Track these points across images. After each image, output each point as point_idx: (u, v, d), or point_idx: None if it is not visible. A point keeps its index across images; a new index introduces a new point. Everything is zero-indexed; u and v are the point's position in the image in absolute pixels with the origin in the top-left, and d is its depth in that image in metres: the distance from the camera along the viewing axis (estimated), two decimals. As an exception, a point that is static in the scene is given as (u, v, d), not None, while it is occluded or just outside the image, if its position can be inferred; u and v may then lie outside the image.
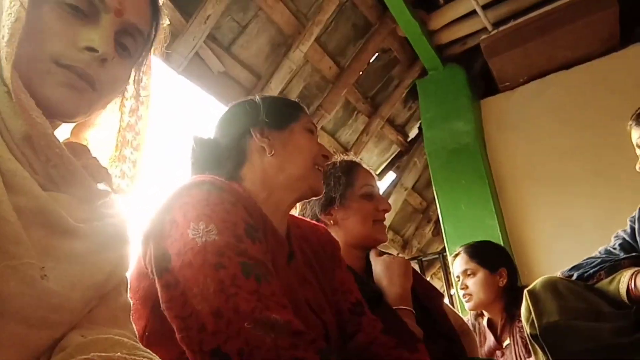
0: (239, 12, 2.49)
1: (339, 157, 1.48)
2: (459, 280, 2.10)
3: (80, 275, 0.58)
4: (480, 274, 2.02)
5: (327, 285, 1.11)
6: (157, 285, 0.83)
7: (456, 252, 2.16)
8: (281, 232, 1.04)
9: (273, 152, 1.04)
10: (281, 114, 1.09)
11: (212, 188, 0.89)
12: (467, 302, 2.06)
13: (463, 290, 2.06)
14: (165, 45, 0.79)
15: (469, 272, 2.05)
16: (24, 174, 0.55)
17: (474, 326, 2.14)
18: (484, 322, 2.08)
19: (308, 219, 1.27)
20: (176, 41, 2.26)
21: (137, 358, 0.52)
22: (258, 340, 0.74)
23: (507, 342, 1.96)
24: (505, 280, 2.02)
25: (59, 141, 0.60)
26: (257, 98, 1.11)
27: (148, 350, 0.55)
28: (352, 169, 1.42)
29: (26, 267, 0.51)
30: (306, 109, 1.16)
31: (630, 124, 1.43)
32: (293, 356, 0.74)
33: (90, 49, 0.61)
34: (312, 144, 1.08)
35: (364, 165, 1.47)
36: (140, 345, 0.56)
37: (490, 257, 2.09)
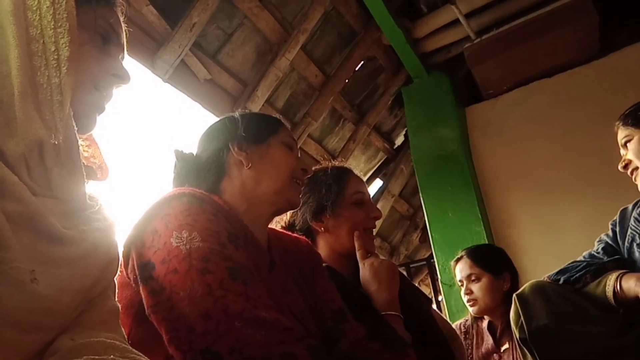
0: (225, 20, 2.49)
1: (329, 164, 1.48)
2: (462, 285, 2.07)
3: (69, 280, 0.58)
4: (485, 278, 2.00)
5: (309, 294, 1.12)
6: (142, 292, 0.83)
7: (458, 256, 2.12)
8: (262, 242, 1.05)
9: (250, 165, 1.06)
10: (259, 129, 1.11)
11: (192, 199, 0.90)
12: (471, 306, 2.03)
13: (467, 296, 2.03)
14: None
15: (473, 277, 2.02)
16: (13, 179, 0.55)
17: (471, 327, 2.13)
18: (484, 324, 2.06)
19: (288, 233, 1.27)
20: (162, 49, 2.25)
21: None
22: (249, 337, 0.75)
23: (506, 346, 1.95)
24: (508, 285, 2.00)
25: (79, 150, 0.67)
26: (237, 114, 1.14)
27: (139, 353, 0.56)
28: (343, 175, 1.42)
29: (15, 271, 0.51)
30: (286, 125, 1.18)
31: (617, 124, 1.45)
32: (283, 351, 0.75)
33: (116, 76, 0.74)
34: (289, 158, 1.10)
35: (355, 172, 1.47)
36: (131, 348, 0.56)
37: (495, 261, 2.06)
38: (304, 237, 1.27)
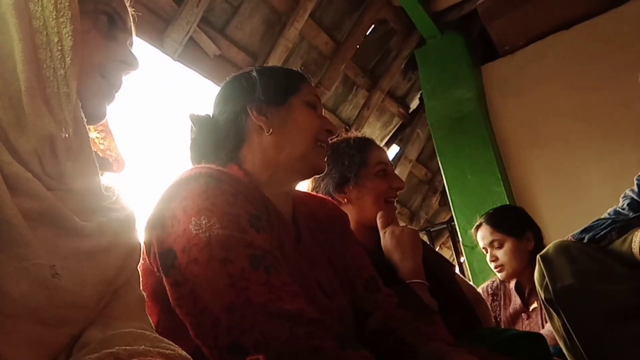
0: (231, -8, 2.45)
1: (351, 134, 1.45)
2: (486, 252, 2.05)
3: (91, 272, 0.59)
4: (508, 243, 1.97)
5: (339, 263, 1.09)
6: (165, 283, 0.82)
7: (478, 224, 2.09)
8: (286, 215, 1.01)
9: (271, 131, 0.99)
10: (279, 88, 1.03)
11: (209, 180, 0.86)
12: (499, 272, 2.01)
13: (494, 263, 2.01)
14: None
15: (496, 244, 2.00)
16: (26, 176, 0.55)
17: (498, 289, 2.12)
18: (512, 285, 2.04)
19: (314, 193, 1.25)
20: (169, 27, 2.22)
21: (161, 350, 0.53)
22: (274, 331, 0.73)
23: (534, 305, 1.94)
24: (532, 244, 1.97)
25: (90, 142, 0.66)
26: (254, 71, 1.06)
27: (170, 342, 0.56)
28: (365, 146, 1.41)
29: (36, 267, 0.52)
30: (309, 78, 1.09)
31: None
32: (310, 345, 0.73)
33: (124, 62, 0.72)
34: (312, 120, 1.02)
35: (377, 142, 1.46)
36: (161, 337, 0.57)
37: (515, 223, 2.03)
38: (330, 199, 1.23)
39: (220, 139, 1.02)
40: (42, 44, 0.60)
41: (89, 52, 0.67)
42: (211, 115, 1.07)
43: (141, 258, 0.88)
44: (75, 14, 0.61)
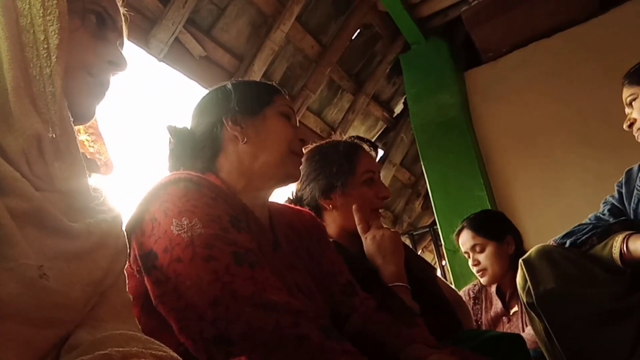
0: (217, -7, 2.44)
1: (340, 139, 1.45)
2: (468, 257, 2.07)
3: (79, 273, 0.58)
4: (490, 247, 2.00)
5: (317, 269, 1.11)
6: (147, 283, 0.82)
7: (459, 228, 2.12)
8: (264, 221, 1.03)
9: (246, 140, 1.02)
10: (253, 100, 1.06)
11: (189, 184, 0.88)
12: (482, 277, 2.03)
13: (476, 267, 2.03)
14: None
15: (477, 248, 2.02)
16: (14, 176, 0.54)
17: (480, 292, 2.14)
18: (493, 289, 2.06)
19: (291, 205, 1.26)
20: (155, 27, 2.21)
21: (153, 352, 0.52)
22: (260, 321, 0.74)
23: (515, 309, 1.96)
24: (513, 248, 2.00)
25: (77, 142, 0.65)
26: (229, 84, 1.09)
27: (161, 344, 0.56)
28: (354, 153, 1.40)
29: (24, 268, 0.51)
30: (284, 91, 1.12)
31: (623, 82, 1.43)
32: (296, 334, 0.74)
33: (112, 63, 0.71)
34: (286, 129, 1.05)
35: (366, 148, 1.45)
36: (153, 339, 0.57)
37: (495, 227, 2.05)
38: (307, 210, 1.26)
39: (197, 149, 1.05)
40: (28, 43, 0.59)
41: (76, 51, 0.66)
42: (189, 128, 1.09)
43: (127, 261, 0.88)
44: (62, 12, 0.61)
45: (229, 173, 1.02)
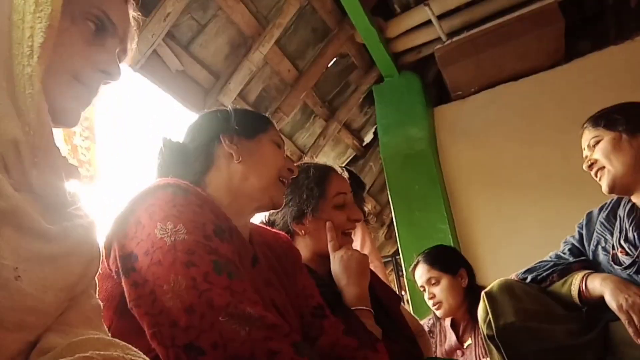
0: (199, 10, 2.45)
1: (311, 163, 1.46)
2: (424, 290, 2.12)
3: (53, 277, 0.56)
4: (444, 280, 2.06)
5: (290, 289, 1.12)
6: (124, 285, 0.81)
7: (415, 263, 2.17)
8: (245, 236, 1.05)
9: (240, 159, 1.06)
10: (251, 124, 1.12)
11: (177, 190, 0.89)
12: (437, 309, 2.08)
13: (432, 300, 2.08)
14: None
15: (433, 281, 2.08)
16: None
17: (434, 326, 2.18)
18: (447, 322, 2.12)
19: (268, 227, 1.27)
20: (134, 37, 2.19)
21: (132, 357, 0.51)
22: (232, 332, 0.74)
23: (468, 342, 2.01)
24: (466, 281, 2.07)
25: (56, 146, 0.62)
26: (230, 107, 1.14)
27: (138, 351, 0.54)
28: (325, 177, 1.40)
29: (0, 268, 0.49)
30: (275, 124, 1.19)
31: (585, 126, 1.48)
32: (267, 348, 0.75)
33: (104, 72, 0.68)
34: (277, 157, 1.11)
35: (338, 170, 1.46)
36: (130, 345, 0.55)
37: (449, 261, 2.13)
38: (283, 233, 1.27)
39: (189, 162, 1.07)
40: (17, 39, 0.58)
41: (61, 52, 0.63)
42: (182, 142, 1.12)
43: (100, 268, 0.86)
44: (56, 10, 0.59)
45: (217, 189, 1.05)
